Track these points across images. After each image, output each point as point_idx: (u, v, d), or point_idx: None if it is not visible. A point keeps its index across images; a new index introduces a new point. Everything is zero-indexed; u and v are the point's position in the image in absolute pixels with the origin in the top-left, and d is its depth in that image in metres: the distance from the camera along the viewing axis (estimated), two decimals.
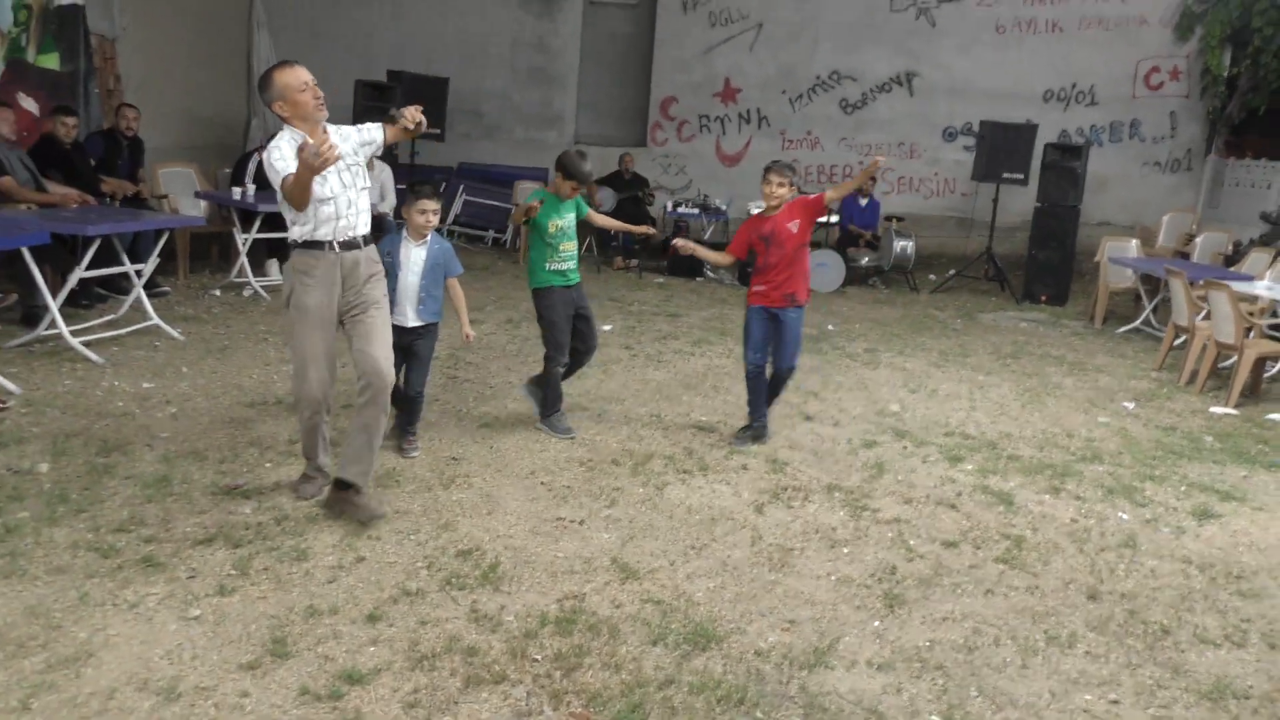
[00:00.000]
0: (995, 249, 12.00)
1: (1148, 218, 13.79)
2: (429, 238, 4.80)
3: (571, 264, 5.33)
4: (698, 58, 14.20)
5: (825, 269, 10.98)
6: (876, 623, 3.50)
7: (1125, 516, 4.76)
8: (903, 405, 6.52)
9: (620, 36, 14.55)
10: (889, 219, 12.14)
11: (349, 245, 3.92)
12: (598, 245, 11.83)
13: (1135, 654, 3.39)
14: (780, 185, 5.36)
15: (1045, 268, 11.28)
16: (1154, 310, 9.81)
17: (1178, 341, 8.29)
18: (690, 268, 11.36)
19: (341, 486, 4.02)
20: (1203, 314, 7.75)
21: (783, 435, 5.64)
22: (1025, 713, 3.00)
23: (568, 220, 5.30)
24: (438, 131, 11.27)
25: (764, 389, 5.50)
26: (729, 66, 14.24)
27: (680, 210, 12.17)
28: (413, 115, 3.81)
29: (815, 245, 11.42)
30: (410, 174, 11.00)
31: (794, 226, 5.39)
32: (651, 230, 6.59)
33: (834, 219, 11.54)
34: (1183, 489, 5.20)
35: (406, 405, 4.89)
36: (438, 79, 11.92)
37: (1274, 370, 8.06)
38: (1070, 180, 11.24)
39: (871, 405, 6.48)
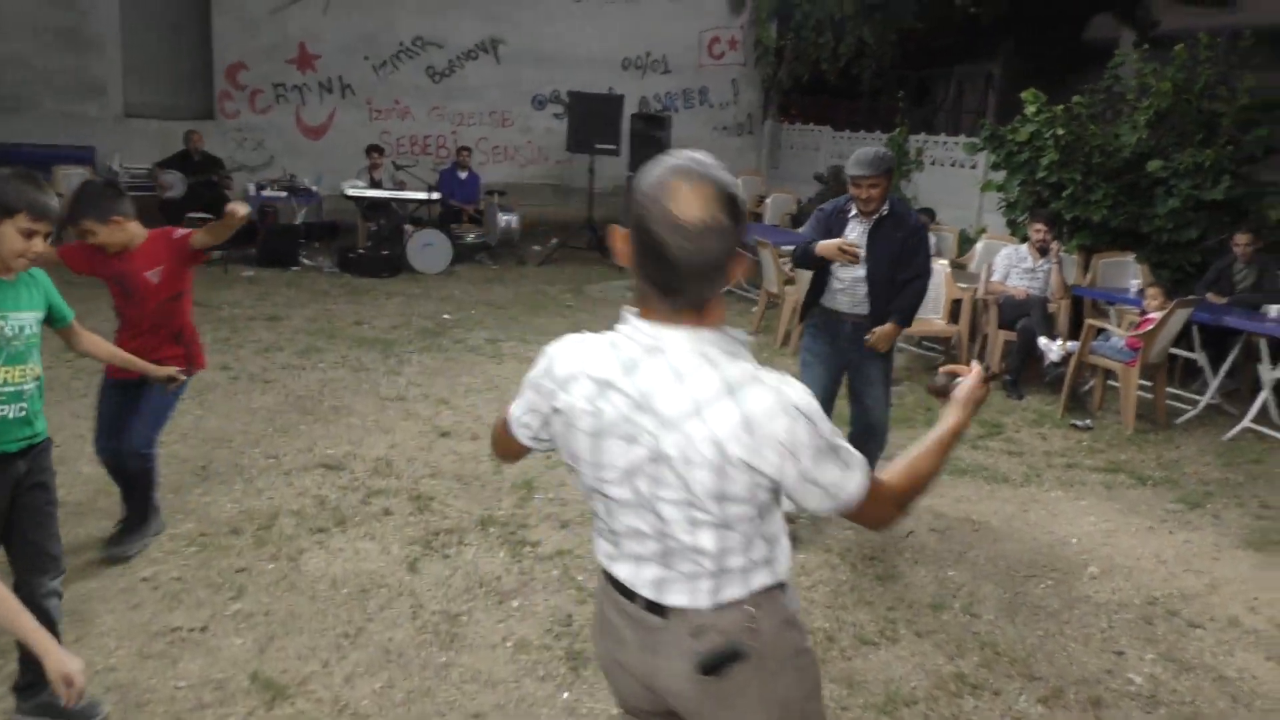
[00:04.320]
0: (594, 215, 12.21)
1: None
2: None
3: (20, 409, 2.78)
4: (265, 19, 12.89)
5: (432, 249, 10.51)
6: (565, 694, 3.25)
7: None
8: None
9: None
10: (490, 193, 11.90)
11: None
12: None
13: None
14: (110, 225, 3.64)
15: None
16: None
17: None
18: (285, 252, 10.33)
19: None
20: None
21: (422, 460, 5.20)
22: None
23: (14, 323, 2.78)
24: None
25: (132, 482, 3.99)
26: (302, 30, 13.08)
27: (266, 193, 11.01)
28: None
29: (419, 224, 10.91)
30: None
31: (154, 276, 3.77)
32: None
33: (434, 195, 11.06)
34: None
35: None
36: None
37: None
38: (657, 149, 11.51)
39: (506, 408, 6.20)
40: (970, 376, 1.94)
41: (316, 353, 7.19)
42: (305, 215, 11.52)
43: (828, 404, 4.73)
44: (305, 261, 10.55)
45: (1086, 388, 7.08)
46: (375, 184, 11.32)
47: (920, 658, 3.58)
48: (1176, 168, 7.80)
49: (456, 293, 9.75)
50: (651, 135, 11.65)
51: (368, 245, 10.70)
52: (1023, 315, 7.17)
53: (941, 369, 2.01)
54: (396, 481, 4.91)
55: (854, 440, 4.84)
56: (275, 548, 4.12)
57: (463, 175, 11.99)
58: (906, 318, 4.57)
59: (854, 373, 4.66)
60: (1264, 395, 6.44)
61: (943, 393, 1.96)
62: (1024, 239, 8.43)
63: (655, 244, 1.52)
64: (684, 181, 1.52)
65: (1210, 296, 7.27)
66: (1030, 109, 8.42)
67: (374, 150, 11.55)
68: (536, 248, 12.38)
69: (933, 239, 9.44)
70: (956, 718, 3.24)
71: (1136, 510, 5.10)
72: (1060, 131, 8.07)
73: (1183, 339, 6.88)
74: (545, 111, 14.47)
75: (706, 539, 1.62)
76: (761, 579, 1.69)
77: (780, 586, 1.73)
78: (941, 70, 19.81)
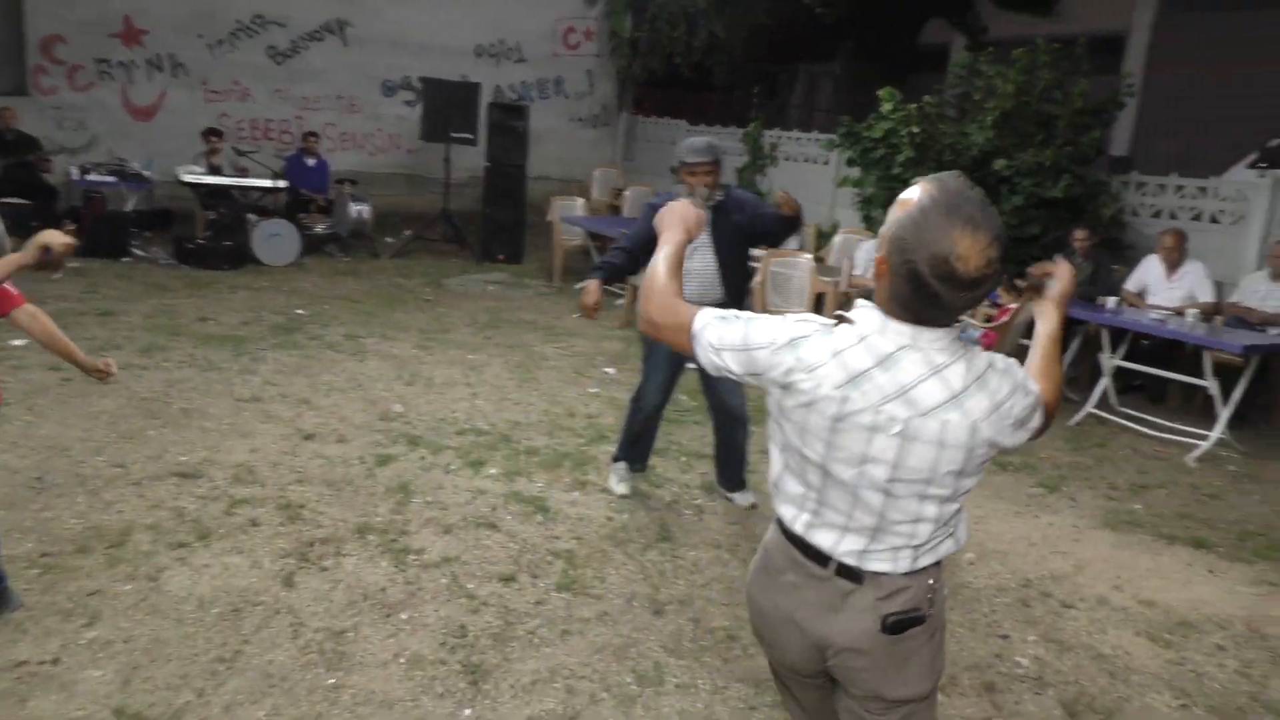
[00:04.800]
0: (450, 206, 11.87)
1: (577, 172, 14.71)
2: None
3: None
4: None
5: (280, 240, 9.98)
6: (467, 711, 3.09)
7: (650, 502, 4.88)
8: (405, 404, 6.07)
9: None
10: (340, 182, 11.39)
11: None
12: None
13: (717, 673, 3.41)
14: None
15: (501, 227, 11.44)
16: None
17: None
18: (114, 241, 9.57)
19: None
20: None
21: (287, 465, 4.89)
22: None
23: None
24: None
25: None
26: (127, 3, 12.17)
27: (91, 178, 10.19)
28: None
29: (264, 213, 10.35)
30: None
31: None
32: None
33: (281, 183, 10.50)
34: (682, 460, 5.50)
35: None
36: None
37: None
38: (515, 139, 11.46)
39: (372, 409, 5.93)
40: (1062, 275, 2.07)
41: (160, 351, 6.68)
42: (136, 202, 10.74)
43: (667, 399, 4.80)
44: (137, 252, 9.82)
45: None
46: (214, 170, 10.66)
47: None
48: (1020, 167, 8.19)
49: (307, 286, 9.29)
50: (509, 125, 11.40)
51: (207, 235, 10.06)
52: None
53: (1033, 269, 2.09)
54: (261, 489, 4.59)
55: (721, 428, 4.86)
56: (131, 566, 3.77)
57: (311, 162, 11.44)
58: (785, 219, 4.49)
59: None
60: (1104, 382, 6.84)
61: (1037, 290, 2.08)
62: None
63: (930, 293, 1.65)
64: (967, 233, 1.61)
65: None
66: (886, 107, 8.67)
67: (212, 134, 10.88)
68: (390, 239, 11.95)
69: None
70: None
71: (1002, 495, 5.31)
72: (915, 129, 8.35)
73: (1029, 330, 7.22)
74: (396, 98, 14.00)
75: (930, 511, 1.78)
76: (947, 548, 1.87)
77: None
78: (787, 68, 20.29)
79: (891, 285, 1.70)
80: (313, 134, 11.78)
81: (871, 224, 9.35)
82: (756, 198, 4.74)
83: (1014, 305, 6.78)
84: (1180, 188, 8.90)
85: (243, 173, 10.70)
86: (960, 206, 1.63)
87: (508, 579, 3.96)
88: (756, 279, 7.55)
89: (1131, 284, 7.65)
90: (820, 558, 1.84)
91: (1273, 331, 6.75)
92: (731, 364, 1.82)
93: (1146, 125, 12.89)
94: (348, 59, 13.56)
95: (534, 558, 4.17)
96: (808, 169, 12.35)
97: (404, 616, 3.61)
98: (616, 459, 5.06)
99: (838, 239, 9.42)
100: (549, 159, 14.60)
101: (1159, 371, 6.88)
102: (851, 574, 1.82)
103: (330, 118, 13.54)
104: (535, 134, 13.81)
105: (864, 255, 7.80)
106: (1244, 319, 7.00)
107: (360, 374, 6.61)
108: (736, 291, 4.61)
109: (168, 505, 4.35)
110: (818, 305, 7.92)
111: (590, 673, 3.35)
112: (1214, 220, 8.54)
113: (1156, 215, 8.99)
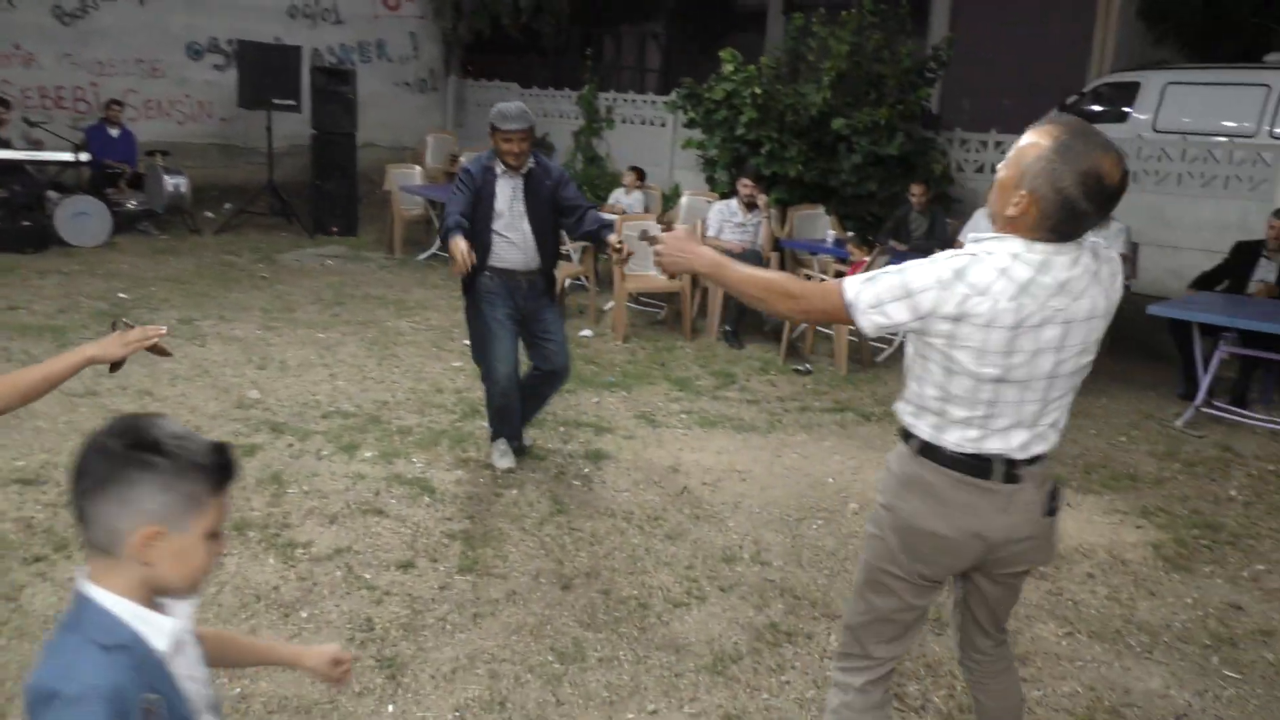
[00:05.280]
0: (275, 177, 11.21)
1: (406, 139, 14.21)
2: None
3: None
4: None
5: (87, 219, 9.20)
6: (390, 706, 2.95)
7: (536, 475, 4.80)
8: (261, 389, 5.73)
9: None
10: (151, 153, 10.56)
11: None
12: None
13: (636, 643, 3.39)
14: None
15: (332, 198, 10.91)
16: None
17: None
18: None
19: None
20: None
21: None
22: None
23: None
24: None
25: None
26: None
27: None
28: None
29: (65, 190, 9.50)
30: None
31: None
32: None
33: (83, 156, 9.63)
34: (560, 430, 5.43)
35: None
36: None
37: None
38: (344, 106, 10.94)
39: (225, 395, 5.57)
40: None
41: None
42: None
43: (516, 365, 4.74)
44: None
45: (796, 334, 7.56)
46: (3, 143, 9.65)
47: (731, 612, 3.64)
48: (857, 126, 8.48)
49: (125, 268, 8.61)
50: (336, 91, 10.85)
51: (1, 215, 9.12)
52: None
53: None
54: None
55: (540, 384, 4.85)
56: None
57: (114, 133, 10.56)
58: (609, 225, 4.63)
59: (532, 324, 4.70)
60: None
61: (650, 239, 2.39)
62: (723, 195, 8.82)
63: (1080, 211, 1.94)
64: (1107, 154, 1.92)
65: (893, 244, 8.00)
66: (728, 68, 8.76)
67: None
68: (210, 214, 11.22)
69: (639, 195, 9.65)
70: (781, 667, 3.31)
71: (872, 445, 5.51)
72: (758, 90, 8.48)
73: None
74: (204, 62, 13.07)
75: (1069, 395, 2.14)
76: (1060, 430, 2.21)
77: None
78: (611, 30, 20.23)
79: (1041, 212, 1.96)
80: (116, 102, 10.86)
81: (715, 185, 9.48)
82: (562, 169, 4.78)
83: (865, 259, 7.02)
84: (1000, 144, 9.44)
85: (37, 145, 9.75)
86: (1091, 135, 1.93)
87: (406, 565, 3.81)
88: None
89: (966, 236, 8.06)
90: (985, 471, 2.11)
91: None
92: (898, 314, 2.00)
93: (951, 85, 13.57)
94: (144, 18, 12.53)
95: (429, 541, 4.03)
96: (645, 131, 12.37)
97: (304, 614, 3.41)
98: (494, 437, 4.94)
99: (684, 200, 9.47)
100: (375, 126, 14.00)
101: None
102: (1012, 476, 2.11)
103: (130, 83, 12.50)
104: (360, 100, 13.23)
105: (715, 216, 7.87)
106: None
107: (204, 360, 6.18)
108: (553, 257, 4.70)
109: (12, 516, 3.94)
110: None
111: (510, 654, 3.27)
112: None
113: (979, 170, 9.52)
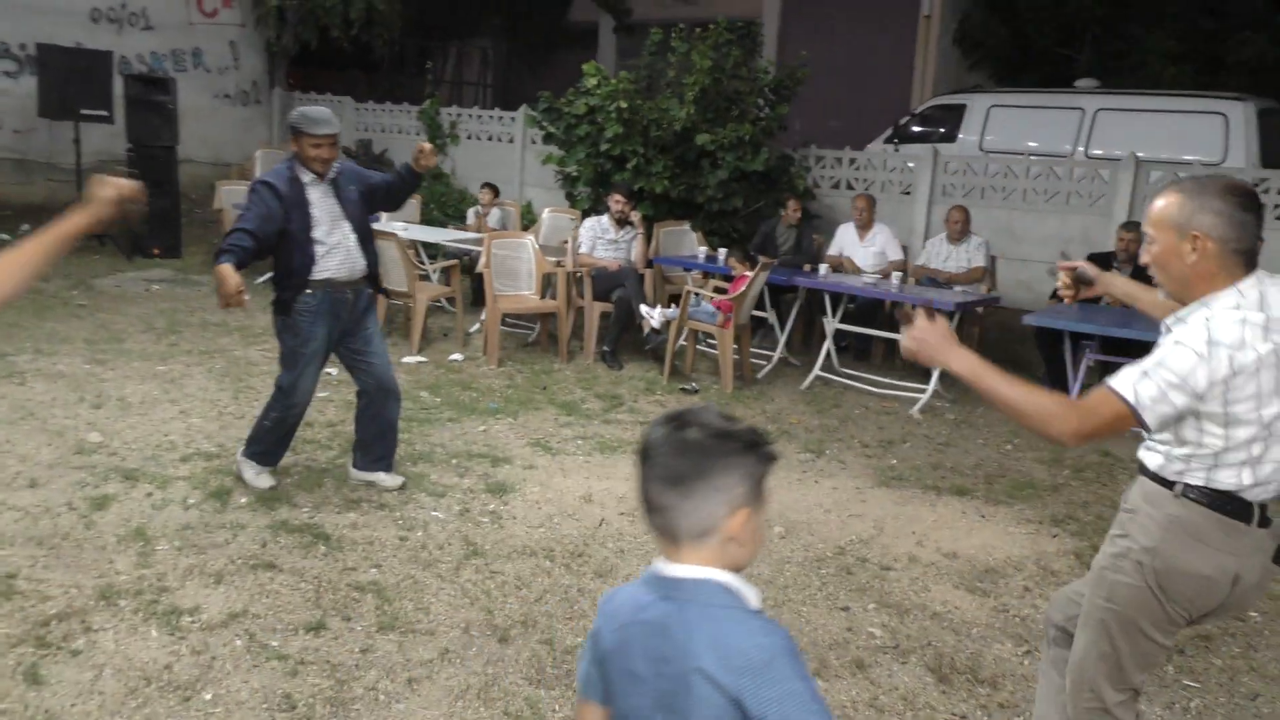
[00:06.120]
0: (83, 195, 10.14)
1: (229, 154, 13.28)
2: None
3: None
4: None
5: None
6: None
7: (439, 514, 4.39)
8: (102, 430, 5.04)
9: None
10: None
11: None
12: None
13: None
14: None
15: (155, 218, 9.96)
16: None
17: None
18: None
19: None
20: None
21: None
22: None
23: None
24: None
25: None
26: None
27: None
28: None
29: None
30: None
31: None
32: None
33: None
34: (454, 463, 5.03)
35: None
36: None
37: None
38: (163, 118, 10.04)
39: (60, 439, 4.86)
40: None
41: None
42: None
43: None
44: None
45: (677, 352, 7.38)
46: None
47: None
48: (722, 142, 8.43)
49: None
50: (153, 101, 9.92)
51: None
52: (616, 286, 7.26)
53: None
54: None
55: (372, 404, 4.56)
56: None
57: None
58: (406, 164, 4.49)
59: (352, 337, 4.44)
60: (828, 344, 7.20)
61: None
62: (585, 212, 8.60)
63: (1249, 222, 2.06)
64: (1227, 176, 2.24)
65: (761, 260, 7.97)
66: (590, 81, 8.54)
67: None
68: (5, 236, 10.01)
69: (497, 212, 9.31)
70: None
71: (780, 465, 5.37)
72: (624, 105, 8.29)
73: (760, 301, 7.46)
74: None
75: None
76: None
77: None
78: (440, 44, 19.69)
79: (1219, 239, 2.04)
80: None
81: (576, 202, 9.22)
82: (353, 164, 4.59)
83: (748, 274, 6.93)
84: (853, 160, 9.64)
85: None
86: (1198, 172, 2.07)
87: (316, 627, 3.34)
88: (481, 263, 7.12)
89: (834, 250, 8.16)
90: (1246, 514, 2.12)
91: (958, 289, 7.48)
92: (1180, 401, 2.02)
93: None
94: None
95: (336, 596, 3.57)
96: (493, 147, 11.99)
97: (207, 696, 2.90)
98: (251, 455, 4.51)
99: (546, 217, 9.17)
100: (194, 140, 12.94)
101: (870, 330, 7.37)
102: (1265, 520, 2.14)
103: None
104: (180, 111, 12.25)
105: (587, 233, 7.61)
106: (934, 279, 7.70)
107: (27, 400, 5.40)
108: (375, 258, 4.49)
109: None
110: (546, 286, 7.63)
111: None
112: (883, 189, 9.35)
113: (835, 186, 9.69)
